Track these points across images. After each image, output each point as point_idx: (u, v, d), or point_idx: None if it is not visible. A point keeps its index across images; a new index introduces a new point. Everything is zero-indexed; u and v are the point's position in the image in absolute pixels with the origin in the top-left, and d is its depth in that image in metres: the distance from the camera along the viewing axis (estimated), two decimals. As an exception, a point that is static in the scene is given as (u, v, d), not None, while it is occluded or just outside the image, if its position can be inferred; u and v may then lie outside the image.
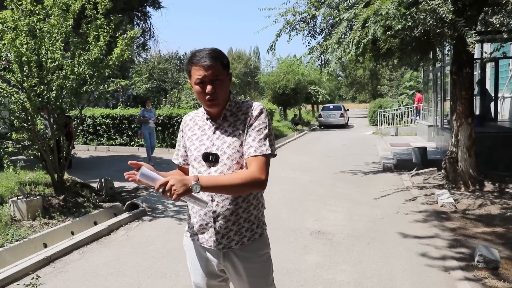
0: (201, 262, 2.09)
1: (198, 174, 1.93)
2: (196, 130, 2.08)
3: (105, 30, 6.57)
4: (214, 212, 1.97)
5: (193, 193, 1.79)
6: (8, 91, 5.84)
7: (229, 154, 1.96)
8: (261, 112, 1.99)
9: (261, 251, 2.09)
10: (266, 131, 1.97)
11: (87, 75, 6.48)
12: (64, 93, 6.45)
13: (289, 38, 8.12)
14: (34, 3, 6.08)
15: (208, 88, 1.91)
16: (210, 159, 1.97)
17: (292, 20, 7.78)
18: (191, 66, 1.94)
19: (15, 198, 5.72)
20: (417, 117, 21.11)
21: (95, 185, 7.69)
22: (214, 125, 2.02)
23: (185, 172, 2.18)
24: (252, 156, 1.92)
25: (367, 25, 5.82)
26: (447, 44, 8.95)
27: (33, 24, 6.02)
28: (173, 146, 14.88)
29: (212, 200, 1.97)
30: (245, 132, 1.97)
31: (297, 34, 8.03)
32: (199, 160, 2.00)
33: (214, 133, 2.02)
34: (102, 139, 15.58)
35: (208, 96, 1.92)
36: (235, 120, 2.01)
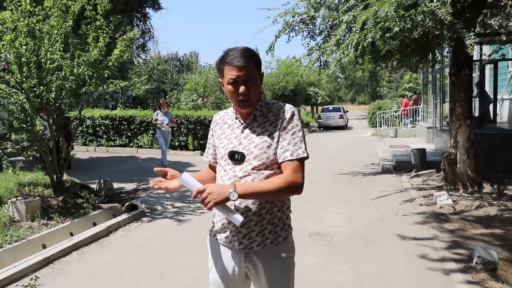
0: (222, 261, 2.06)
1: (235, 182, 1.94)
2: (226, 129, 2.08)
3: (105, 31, 6.57)
4: (237, 211, 1.95)
5: (228, 204, 1.86)
6: (8, 92, 5.84)
7: (256, 154, 1.96)
8: (293, 115, 1.99)
9: (284, 255, 2.04)
10: (300, 133, 1.97)
11: (86, 76, 6.48)
12: (63, 94, 6.45)
13: (288, 39, 8.13)
14: (34, 4, 6.08)
15: (242, 88, 1.91)
16: (236, 157, 1.97)
17: (291, 21, 7.79)
18: (224, 65, 1.92)
19: (14, 199, 5.72)
20: (407, 121, 21.37)
21: (94, 186, 7.69)
22: (243, 124, 2.03)
23: (214, 170, 2.19)
24: (288, 160, 1.92)
25: (366, 27, 5.83)
26: (446, 46, 8.97)
27: (32, 25, 6.02)
28: (172, 147, 14.87)
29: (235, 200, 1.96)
30: (277, 134, 1.97)
31: (296, 35, 8.04)
32: (226, 158, 2.01)
33: (242, 132, 2.02)
34: (101, 140, 15.56)
35: (241, 97, 1.92)
36: (265, 121, 2.01)
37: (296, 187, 1.91)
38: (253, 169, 1.95)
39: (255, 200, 1.94)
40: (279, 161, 1.95)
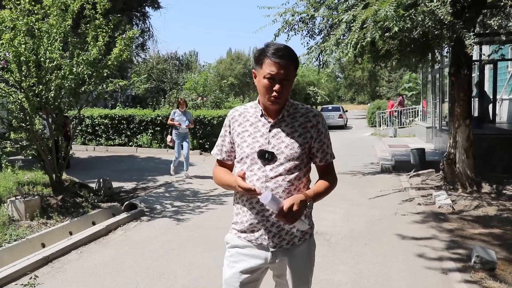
0: (244, 260, 2.05)
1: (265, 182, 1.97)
2: (248, 126, 2.05)
3: (104, 30, 6.56)
4: (267, 211, 1.96)
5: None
6: (7, 91, 5.83)
7: (287, 154, 1.97)
8: (323, 119, 2.09)
9: (309, 250, 2.14)
10: (329, 137, 2.13)
11: (85, 75, 6.48)
12: (62, 93, 6.44)
13: (287, 38, 8.11)
14: (33, 3, 6.07)
15: (277, 87, 1.90)
16: (266, 156, 1.96)
17: (291, 20, 7.78)
18: (265, 58, 1.91)
19: (13, 198, 5.71)
20: (392, 123, 21.83)
21: (93, 185, 7.68)
22: (270, 123, 2.01)
23: (227, 167, 2.16)
24: (330, 162, 2.10)
25: (365, 26, 5.83)
26: (446, 45, 8.98)
27: (31, 24, 6.00)
28: (172, 146, 14.85)
29: None
30: (309, 136, 2.02)
31: (295, 34, 8.03)
32: (252, 158, 1.99)
33: (269, 131, 2.00)
34: (100, 139, 15.55)
35: (274, 94, 1.92)
36: (293, 121, 2.02)
37: (336, 184, 2.15)
38: (284, 169, 1.96)
39: (285, 199, 1.94)
40: (321, 163, 2.09)
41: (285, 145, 1.98)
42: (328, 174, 2.11)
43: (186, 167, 9.79)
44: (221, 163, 2.18)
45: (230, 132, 2.10)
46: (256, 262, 2.04)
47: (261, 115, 2.03)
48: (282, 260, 2.05)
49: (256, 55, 1.97)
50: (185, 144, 9.72)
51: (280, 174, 1.96)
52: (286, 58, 1.88)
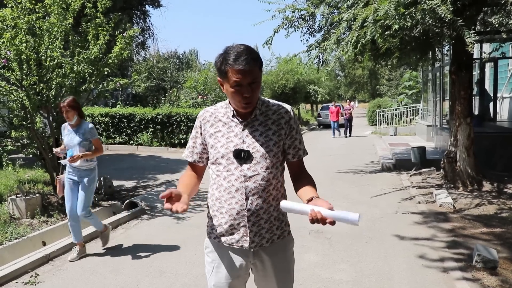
0: (227, 263, 2.05)
1: (244, 181, 1.96)
2: (221, 127, 2.01)
3: (105, 29, 6.56)
4: (248, 210, 1.95)
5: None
6: (8, 89, 5.84)
7: (263, 153, 1.95)
8: (295, 115, 2.09)
9: (288, 247, 2.14)
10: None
11: (86, 74, 6.48)
12: (63, 91, 6.44)
13: (287, 34, 8.08)
14: (34, 2, 6.07)
15: (247, 92, 1.86)
16: (242, 155, 1.95)
17: (291, 17, 7.76)
18: (227, 67, 1.84)
19: (14, 196, 5.72)
20: (340, 131, 20.24)
21: (94, 183, 7.68)
22: (243, 122, 1.99)
23: (198, 170, 2.11)
24: (302, 158, 2.09)
25: (365, 24, 5.82)
26: (446, 44, 8.96)
27: (32, 23, 6.01)
28: (172, 145, 14.88)
29: (247, 199, 1.94)
30: (283, 133, 2.00)
31: (295, 31, 8.01)
32: (228, 158, 1.96)
33: (243, 130, 1.98)
34: (101, 137, 15.56)
35: (245, 100, 1.88)
36: (266, 119, 2.00)
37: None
38: (261, 167, 1.95)
39: (264, 199, 1.96)
40: (293, 159, 2.06)
41: (260, 144, 1.96)
42: (304, 172, 2.09)
43: (76, 238, 4.86)
44: (192, 165, 2.12)
45: (201, 134, 2.06)
46: (239, 263, 2.04)
47: (233, 116, 2.00)
48: (264, 258, 2.05)
49: (218, 64, 1.90)
50: (80, 191, 4.77)
51: (259, 173, 1.95)
52: (250, 61, 1.82)
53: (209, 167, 2.08)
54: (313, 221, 1.71)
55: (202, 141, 2.06)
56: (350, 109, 20.66)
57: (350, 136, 20.11)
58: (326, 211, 1.69)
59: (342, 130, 20.60)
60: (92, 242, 5.38)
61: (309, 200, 1.86)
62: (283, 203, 1.83)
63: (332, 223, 1.68)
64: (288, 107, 2.06)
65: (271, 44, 7.79)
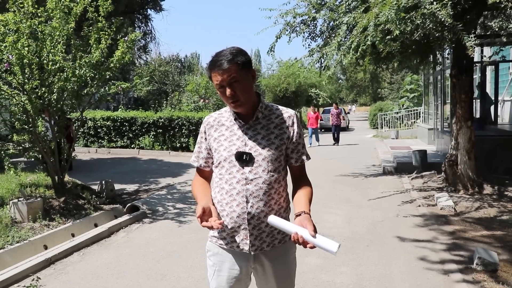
0: (228, 267, 2.06)
1: (246, 184, 1.97)
2: (224, 131, 2.05)
3: (106, 33, 6.59)
4: (249, 213, 1.96)
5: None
6: (10, 93, 5.87)
7: (265, 156, 1.97)
8: (298, 119, 2.09)
9: (290, 252, 2.13)
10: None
11: (88, 78, 6.50)
12: (65, 95, 6.47)
13: (289, 39, 8.11)
14: (36, 6, 6.11)
15: (228, 91, 1.90)
16: (244, 158, 1.96)
17: (292, 22, 7.79)
18: (209, 72, 1.95)
19: (15, 200, 5.74)
20: (313, 139, 17.90)
21: (95, 187, 7.70)
22: (245, 125, 2.01)
23: (206, 174, 2.15)
24: (304, 162, 2.10)
25: (367, 30, 5.83)
26: (447, 47, 8.97)
27: (34, 27, 6.04)
28: (174, 148, 14.90)
29: (247, 201, 1.95)
30: (286, 137, 2.02)
31: (297, 36, 8.03)
32: (230, 160, 1.98)
33: (245, 133, 2.00)
34: (103, 141, 15.60)
35: (230, 100, 1.92)
36: (268, 122, 2.02)
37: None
38: (263, 171, 1.96)
39: (265, 202, 1.97)
40: (296, 164, 2.08)
41: (262, 147, 1.98)
42: (304, 177, 2.11)
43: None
44: (199, 170, 2.17)
45: (206, 139, 2.10)
46: (239, 267, 2.05)
47: (235, 119, 2.04)
48: (264, 263, 2.05)
49: (206, 72, 2.03)
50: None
51: (260, 177, 1.96)
52: (224, 62, 1.87)
53: (213, 171, 2.12)
54: (295, 242, 1.82)
55: (206, 146, 2.10)
56: (337, 114, 18.42)
57: (337, 144, 17.80)
58: (309, 236, 1.79)
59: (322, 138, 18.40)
60: (94, 246, 5.39)
61: (297, 215, 1.90)
62: (271, 218, 1.90)
63: (312, 247, 1.78)
64: (291, 111, 2.08)
65: (274, 51, 7.90)
